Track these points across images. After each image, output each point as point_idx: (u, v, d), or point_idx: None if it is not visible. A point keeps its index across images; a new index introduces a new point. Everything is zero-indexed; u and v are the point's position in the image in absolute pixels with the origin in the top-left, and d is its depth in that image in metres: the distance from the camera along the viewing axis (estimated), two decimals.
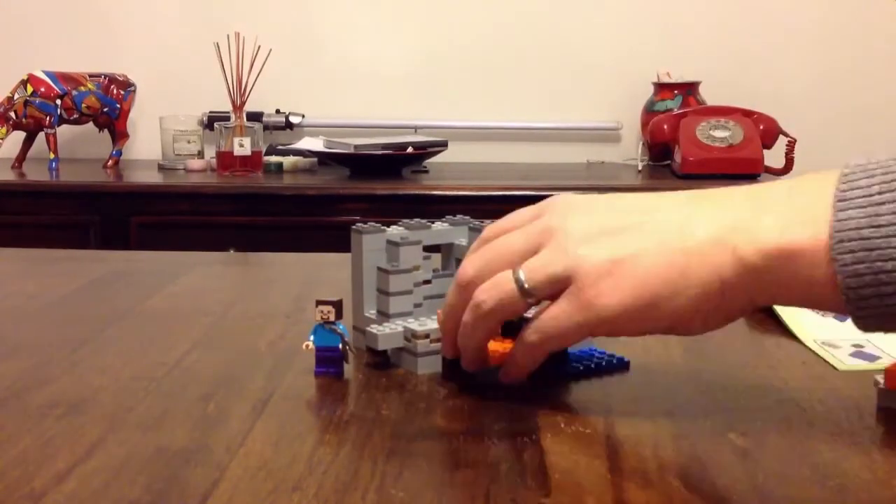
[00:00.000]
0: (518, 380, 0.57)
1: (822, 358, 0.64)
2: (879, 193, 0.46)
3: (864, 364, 0.62)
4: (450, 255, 0.69)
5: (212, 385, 0.59)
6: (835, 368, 0.61)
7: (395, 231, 0.67)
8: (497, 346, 0.60)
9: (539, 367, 0.57)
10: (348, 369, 0.60)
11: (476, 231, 0.67)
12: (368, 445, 0.49)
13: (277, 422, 0.52)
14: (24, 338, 0.70)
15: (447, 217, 0.70)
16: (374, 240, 0.66)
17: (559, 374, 0.60)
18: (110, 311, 0.77)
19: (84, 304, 0.81)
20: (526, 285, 0.53)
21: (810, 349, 0.65)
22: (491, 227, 0.58)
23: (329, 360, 0.60)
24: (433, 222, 0.68)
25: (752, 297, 0.50)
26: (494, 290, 0.54)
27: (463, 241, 0.68)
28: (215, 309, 0.78)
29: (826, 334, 0.67)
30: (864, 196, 0.47)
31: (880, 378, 0.55)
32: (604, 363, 0.61)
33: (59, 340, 0.68)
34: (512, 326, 0.61)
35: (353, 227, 0.66)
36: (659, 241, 0.51)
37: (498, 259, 0.55)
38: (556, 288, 0.52)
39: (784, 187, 0.51)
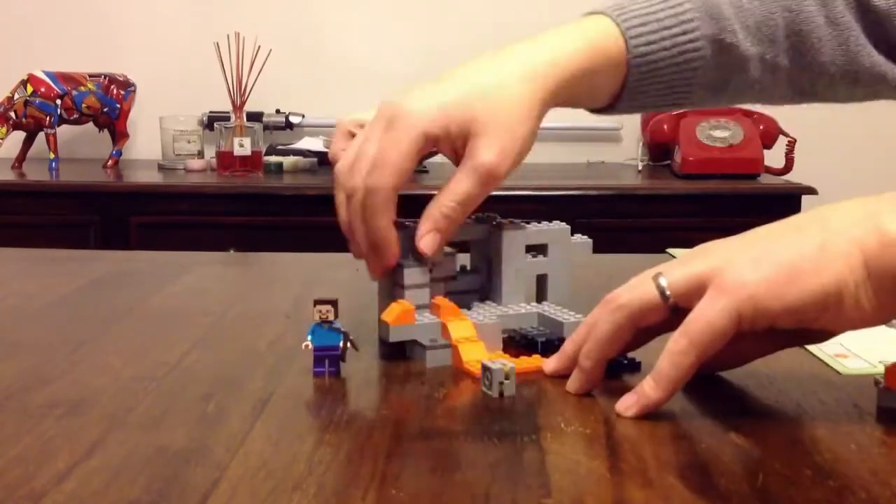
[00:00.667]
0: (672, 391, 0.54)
1: (823, 361, 0.64)
2: None
3: (865, 367, 0.62)
4: (475, 253, 0.70)
5: (212, 385, 0.59)
6: (838, 373, 0.61)
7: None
8: (523, 363, 0.61)
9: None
10: (349, 369, 0.60)
11: (499, 229, 0.67)
12: (368, 445, 0.49)
13: (277, 422, 0.52)
14: (24, 338, 0.70)
15: (474, 215, 0.70)
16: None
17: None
18: (110, 311, 0.77)
19: (84, 304, 0.81)
20: (666, 288, 0.53)
21: (810, 352, 0.65)
22: None
23: (327, 360, 0.60)
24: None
25: (885, 305, 0.50)
26: (634, 292, 0.54)
27: (487, 239, 0.69)
28: (215, 309, 0.78)
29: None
30: None
31: (880, 378, 0.55)
32: (614, 364, 0.61)
33: (59, 340, 0.68)
34: (532, 342, 0.63)
35: None
36: (801, 237, 0.51)
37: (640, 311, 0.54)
38: (696, 287, 0.52)
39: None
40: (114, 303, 0.81)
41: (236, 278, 0.97)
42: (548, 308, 0.68)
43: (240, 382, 0.59)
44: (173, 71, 2.42)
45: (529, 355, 0.62)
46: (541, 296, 0.70)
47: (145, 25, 2.44)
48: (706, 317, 0.51)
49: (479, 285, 0.69)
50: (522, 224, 0.69)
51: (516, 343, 0.64)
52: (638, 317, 0.54)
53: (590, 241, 0.71)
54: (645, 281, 0.54)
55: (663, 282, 0.53)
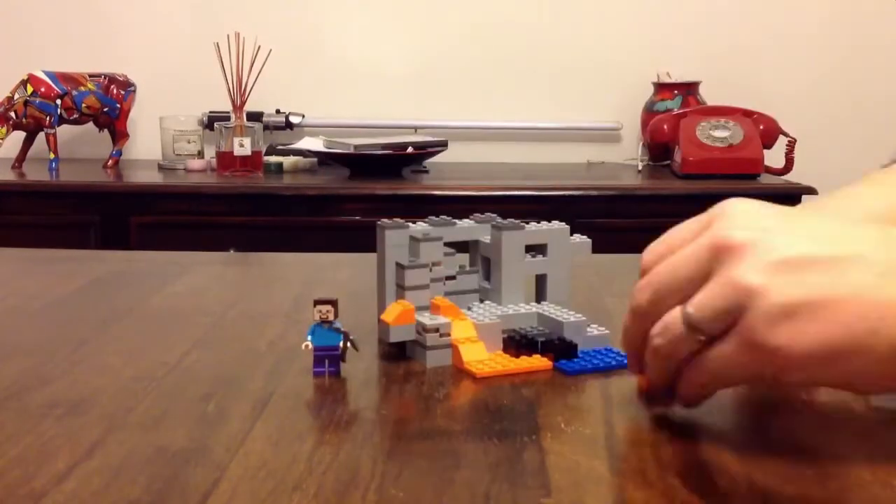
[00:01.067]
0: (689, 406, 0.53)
1: None
2: None
3: None
4: (476, 253, 0.70)
5: (212, 385, 0.59)
6: None
7: (418, 227, 0.68)
8: (523, 363, 0.61)
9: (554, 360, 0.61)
10: (349, 369, 0.60)
11: (499, 229, 0.67)
12: (368, 445, 0.49)
13: (277, 422, 0.52)
14: (24, 338, 0.70)
15: (474, 215, 0.70)
16: (397, 235, 0.66)
17: (574, 370, 0.61)
18: (110, 311, 0.77)
19: (84, 304, 0.81)
20: (695, 323, 0.48)
21: None
22: (651, 249, 0.53)
23: (327, 360, 0.60)
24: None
25: None
26: (667, 335, 0.50)
27: (487, 239, 0.69)
28: (215, 309, 0.78)
29: None
30: None
31: None
32: (614, 363, 0.61)
33: (59, 340, 0.68)
34: (532, 342, 0.63)
35: (379, 222, 0.67)
36: (853, 288, 0.45)
37: (666, 289, 0.50)
38: (726, 323, 0.47)
39: None
40: (114, 303, 0.81)
41: (236, 278, 0.97)
42: (547, 308, 0.68)
43: (240, 382, 0.59)
44: (173, 71, 2.42)
45: (529, 355, 0.62)
46: (540, 296, 0.69)
47: (145, 25, 2.44)
48: (726, 366, 0.48)
49: (478, 285, 0.69)
50: (522, 224, 0.69)
51: (516, 343, 0.64)
52: (681, 356, 0.50)
53: (589, 241, 0.71)
54: (675, 319, 0.49)
55: (691, 313, 0.48)
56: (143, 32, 2.44)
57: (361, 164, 2.13)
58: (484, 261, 0.69)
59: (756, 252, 0.46)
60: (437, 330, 0.62)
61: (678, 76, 2.35)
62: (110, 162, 2.26)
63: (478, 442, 0.50)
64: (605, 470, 0.46)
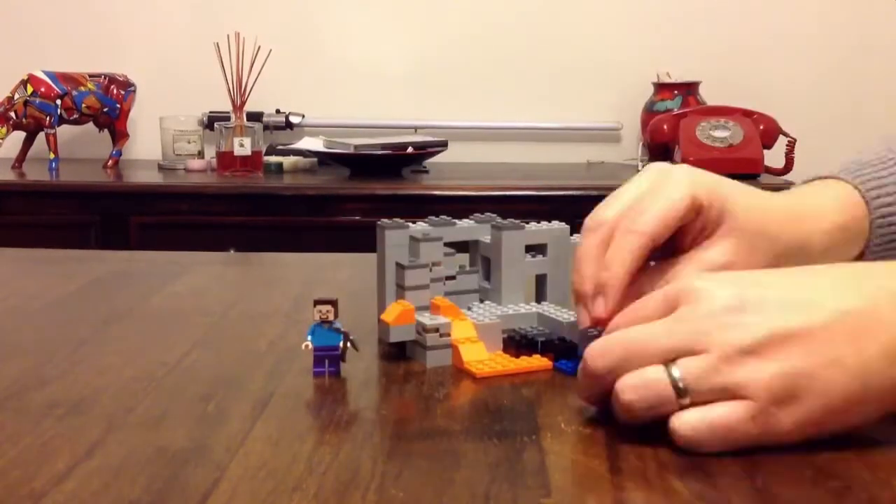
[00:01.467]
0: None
1: None
2: None
3: None
4: (475, 253, 0.70)
5: (212, 385, 0.59)
6: None
7: (417, 227, 0.68)
8: (523, 363, 0.61)
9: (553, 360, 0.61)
10: (349, 369, 0.60)
11: (499, 229, 0.67)
12: (368, 445, 0.49)
13: (277, 422, 0.52)
14: (24, 338, 0.70)
15: (474, 215, 0.70)
16: (397, 235, 0.66)
17: (573, 369, 0.60)
18: (110, 311, 0.77)
19: (84, 304, 0.81)
20: (683, 388, 0.48)
21: None
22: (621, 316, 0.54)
23: (327, 360, 0.60)
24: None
25: None
26: (645, 391, 0.49)
27: (487, 239, 0.69)
28: (215, 309, 0.78)
29: None
30: None
31: None
32: None
33: (59, 340, 0.68)
34: (532, 342, 0.63)
35: (378, 222, 0.68)
36: (833, 356, 0.48)
37: (639, 356, 0.50)
38: (721, 398, 0.48)
39: None
40: (114, 303, 0.81)
41: (236, 278, 0.97)
42: (547, 308, 0.68)
43: (240, 382, 0.59)
44: (173, 71, 2.42)
45: (529, 355, 0.62)
46: (540, 296, 0.70)
47: (145, 25, 2.44)
48: (733, 435, 0.48)
49: (478, 285, 0.69)
50: (522, 224, 0.69)
51: (516, 343, 0.64)
52: (654, 418, 0.49)
53: None
54: (657, 377, 0.49)
55: (677, 376, 0.48)
56: (143, 32, 2.44)
57: (361, 164, 2.13)
58: (484, 261, 0.69)
59: (737, 332, 0.48)
60: (437, 330, 0.62)
61: (678, 76, 2.35)
62: (110, 162, 2.26)
63: (478, 442, 0.50)
64: (605, 470, 0.46)
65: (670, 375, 0.48)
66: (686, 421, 0.48)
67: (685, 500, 0.43)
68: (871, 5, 2.42)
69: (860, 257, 0.66)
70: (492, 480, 0.45)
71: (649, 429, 0.52)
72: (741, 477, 0.46)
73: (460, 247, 0.69)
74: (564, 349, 0.62)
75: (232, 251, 1.73)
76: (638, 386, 0.49)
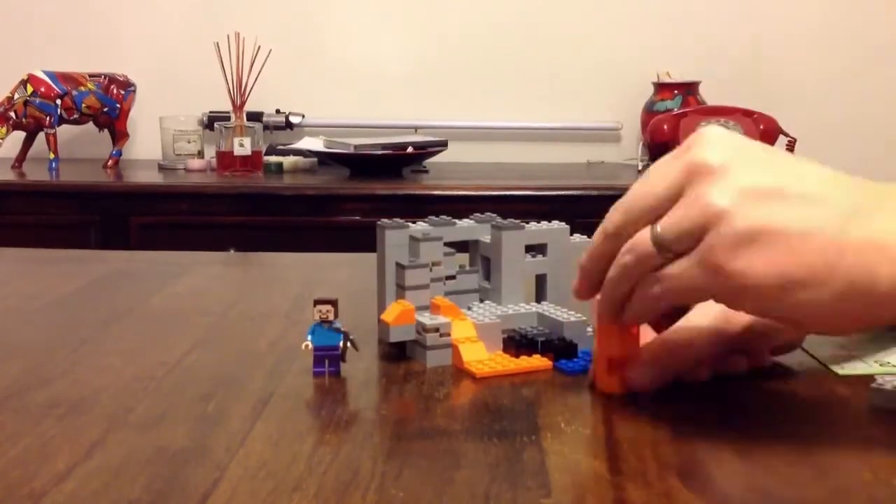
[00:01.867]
0: (634, 323, 0.54)
1: (821, 362, 0.63)
2: None
3: (861, 367, 0.62)
4: (476, 253, 0.70)
5: (212, 385, 0.59)
6: (836, 374, 0.61)
7: (417, 227, 0.68)
8: (523, 363, 0.61)
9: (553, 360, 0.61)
10: (349, 369, 0.60)
11: (499, 229, 0.67)
12: (368, 445, 0.49)
13: (277, 422, 0.52)
14: (24, 338, 0.70)
15: (474, 214, 0.70)
16: (397, 235, 0.66)
17: (574, 369, 0.61)
18: (110, 311, 0.77)
19: (84, 304, 0.81)
20: (661, 241, 0.49)
21: (807, 351, 0.65)
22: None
23: (327, 360, 0.60)
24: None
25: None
26: (635, 252, 0.50)
27: (487, 239, 0.69)
28: (215, 309, 0.78)
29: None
30: None
31: (879, 379, 0.55)
32: None
33: (59, 340, 0.68)
34: (532, 342, 0.63)
35: (378, 222, 0.68)
36: (816, 223, 0.46)
37: (639, 207, 0.50)
38: (691, 242, 0.48)
39: None
40: (114, 303, 0.81)
41: (236, 278, 0.97)
42: (547, 308, 0.67)
43: (240, 382, 0.59)
44: (173, 71, 2.42)
45: (529, 355, 0.62)
46: (540, 295, 0.69)
47: (145, 25, 2.44)
48: (683, 283, 0.49)
49: (478, 285, 0.69)
50: (522, 224, 0.69)
51: (516, 343, 0.63)
52: (642, 274, 0.50)
53: (589, 240, 0.71)
54: (644, 238, 0.50)
55: (658, 231, 0.49)
56: (143, 32, 2.44)
57: (361, 164, 2.13)
58: (484, 260, 0.69)
59: (728, 176, 0.47)
60: (437, 330, 0.62)
61: (678, 76, 2.35)
62: (110, 162, 2.26)
63: (478, 442, 0.50)
64: (605, 470, 0.46)
65: (653, 231, 0.49)
66: (650, 288, 0.50)
67: (685, 500, 0.43)
68: (872, 5, 2.42)
69: None
70: (492, 480, 0.45)
71: (649, 429, 0.52)
72: (741, 477, 0.46)
73: (460, 246, 0.69)
74: (564, 349, 0.62)
75: (232, 251, 1.73)
76: (629, 247, 0.50)
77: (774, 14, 2.43)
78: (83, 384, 0.59)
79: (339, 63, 2.44)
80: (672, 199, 0.49)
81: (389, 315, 0.63)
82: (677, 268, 0.49)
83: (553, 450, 0.48)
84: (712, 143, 0.49)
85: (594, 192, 1.99)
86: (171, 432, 0.51)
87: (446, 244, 0.67)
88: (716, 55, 2.42)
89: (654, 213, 0.49)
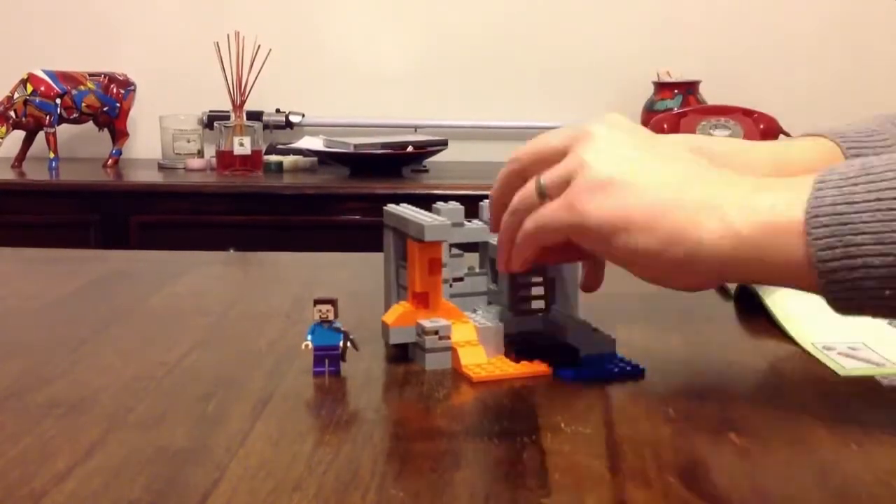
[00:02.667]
0: (516, 268, 0.61)
1: (821, 362, 0.63)
2: (856, 176, 0.49)
3: (864, 367, 0.62)
4: (484, 255, 0.69)
5: (212, 385, 0.59)
6: (836, 374, 0.61)
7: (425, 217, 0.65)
8: (524, 368, 0.61)
9: (554, 366, 0.61)
10: (349, 369, 0.60)
11: None
12: (368, 445, 0.49)
13: (277, 422, 0.52)
14: (24, 338, 0.70)
15: (484, 214, 0.69)
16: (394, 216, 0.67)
17: (573, 377, 0.60)
18: (110, 311, 0.77)
19: (84, 304, 0.81)
20: (542, 188, 0.57)
21: (809, 353, 0.65)
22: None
23: (327, 360, 0.60)
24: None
25: (722, 270, 0.52)
26: (523, 196, 0.58)
27: (495, 241, 0.65)
28: (215, 309, 0.78)
29: (822, 337, 0.66)
30: (840, 178, 0.49)
31: (882, 379, 0.55)
32: (616, 370, 0.61)
33: (59, 340, 0.68)
34: (555, 352, 0.62)
35: (385, 208, 0.69)
36: (662, 179, 0.54)
37: (540, 152, 0.59)
38: (563, 188, 0.56)
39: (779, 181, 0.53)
40: (114, 303, 0.81)
41: (236, 278, 0.97)
42: (554, 313, 0.66)
43: (240, 382, 0.59)
44: (173, 71, 2.42)
45: (530, 360, 0.61)
46: (548, 300, 0.67)
47: (145, 25, 2.44)
48: (548, 218, 0.56)
49: (486, 287, 0.69)
50: None
51: (517, 348, 0.62)
52: (524, 216, 0.58)
53: None
54: (531, 183, 0.58)
55: (542, 178, 0.57)
56: (143, 32, 2.44)
57: (361, 163, 2.13)
58: (492, 263, 0.67)
59: (602, 140, 0.56)
60: (436, 332, 0.62)
61: (678, 76, 2.35)
62: (110, 161, 2.26)
63: (478, 442, 0.50)
64: (605, 470, 0.46)
65: (537, 180, 0.57)
66: (525, 226, 0.58)
67: (685, 500, 0.43)
68: (871, 5, 2.42)
69: None
70: (492, 480, 0.45)
71: (649, 429, 0.52)
72: (741, 477, 0.46)
73: (469, 248, 0.69)
74: (566, 356, 0.62)
75: (232, 251, 1.73)
76: (519, 195, 0.59)
77: (774, 14, 2.43)
78: (83, 384, 0.59)
79: (339, 63, 2.44)
80: (562, 153, 0.57)
81: (390, 317, 0.63)
82: (547, 208, 0.57)
83: (553, 450, 0.48)
84: (606, 120, 0.58)
85: None
86: (171, 432, 0.51)
87: (455, 245, 0.66)
88: (716, 55, 2.42)
89: (546, 163, 0.58)
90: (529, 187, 0.58)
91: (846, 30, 2.43)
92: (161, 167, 2.26)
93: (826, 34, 2.43)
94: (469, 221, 0.68)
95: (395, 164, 2.15)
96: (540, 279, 0.65)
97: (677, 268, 0.53)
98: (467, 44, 2.44)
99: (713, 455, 0.48)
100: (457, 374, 0.61)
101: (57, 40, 2.42)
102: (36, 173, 2.14)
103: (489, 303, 0.68)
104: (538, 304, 0.66)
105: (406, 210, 0.66)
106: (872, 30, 2.42)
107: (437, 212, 0.66)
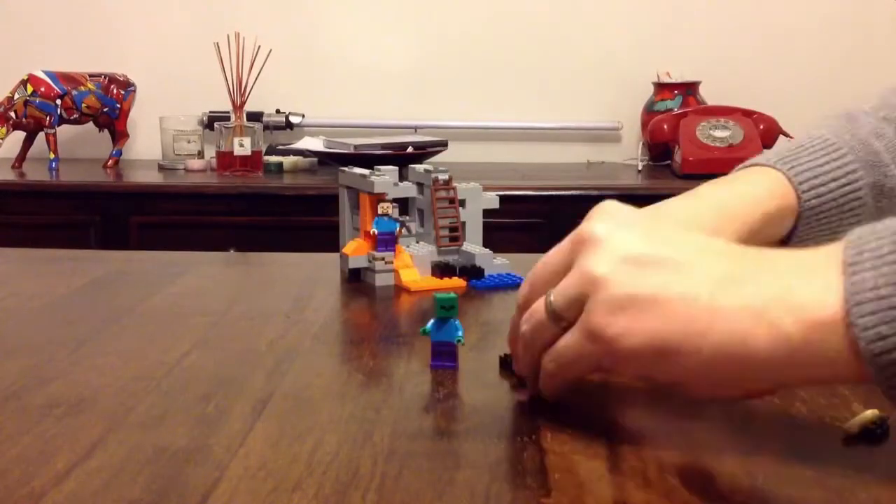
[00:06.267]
0: (552, 400, 0.55)
1: None
2: (891, 253, 0.43)
3: None
4: (413, 206, 0.94)
5: (212, 385, 0.59)
6: None
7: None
8: (445, 283, 0.86)
9: (467, 280, 0.87)
10: (349, 369, 0.60)
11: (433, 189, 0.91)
12: (368, 445, 0.49)
13: (277, 422, 0.52)
14: (24, 338, 0.70)
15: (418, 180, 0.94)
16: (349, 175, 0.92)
17: (480, 286, 0.86)
18: (110, 311, 0.77)
19: (84, 304, 0.81)
20: (553, 309, 0.51)
21: None
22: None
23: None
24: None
25: (781, 376, 0.46)
26: (531, 321, 0.53)
27: (421, 196, 0.93)
28: (215, 309, 0.78)
29: None
30: (875, 257, 0.43)
31: None
32: (511, 282, 0.87)
33: (59, 340, 0.68)
34: (452, 268, 0.88)
35: (340, 169, 0.95)
36: (689, 290, 0.47)
37: (539, 278, 0.54)
38: (579, 310, 0.50)
39: (802, 258, 0.47)
40: (114, 303, 0.81)
41: (236, 278, 0.97)
42: (466, 245, 0.91)
43: (240, 382, 0.59)
44: (173, 71, 2.42)
45: (451, 277, 0.87)
46: (461, 237, 0.92)
47: (145, 25, 2.44)
48: (571, 353, 0.51)
49: (415, 231, 0.94)
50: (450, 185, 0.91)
51: (440, 269, 0.88)
52: (542, 343, 0.53)
53: (497, 196, 0.95)
54: (539, 306, 0.53)
55: (552, 300, 0.51)
56: (143, 32, 2.44)
57: (361, 163, 2.13)
58: (419, 212, 0.94)
59: (608, 245, 0.50)
60: (383, 259, 0.86)
61: (678, 76, 2.35)
62: (110, 162, 2.26)
63: (478, 442, 0.50)
64: (605, 470, 0.46)
65: (547, 299, 0.52)
66: (543, 363, 0.52)
67: (685, 500, 0.43)
68: (871, 5, 2.42)
69: (785, 241, 0.68)
70: (492, 480, 0.45)
71: (649, 429, 0.52)
72: (741, 477, 0.46)
73: (403, 203, 0.91)
74: (475, 273, 0.88)
75: (232, 251, 1.73)
76: (527, 317, 0.53)
77: (774, 14, 2.43)
78: (83, 384, 0.59)
79: (339, 63, 2.44)
80: (564, 269, 0.52)
81: (348, 249, 0.88)
82: (565, 340, 0.51)
83: (553, 450, 0.48)
84: (600, 215, 0.52)
85: (594, 192, 1.99)
86: (171, 432, 0.51)
87: (393, 200, 0.87)
88: (716, 55, 2.42)
89: (550, 284, 0.52)
90: (539, 310, 0.52)
91: (846, 30, 2.43)
92: (161, 168, 2.26)
93: (826, 34, 2.43)
94: (401, 182, 0.91)
95: (395, 164, 2.15)
96: (456, 223, 0.91)
97: (731, 385, 0.47)
98: (467, 44, 2.44)
99: (713, 455, 0.48)
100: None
101: (57, 41, 2.42)
102: (36, 174, 2.14)
103: (418, 241, 0.92)
104: (454, 240, 0.91)
105: (355, 170, 0.91)
106: (872, 30, 2.43)
107: (379, 173, 0.89)
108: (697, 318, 0.46)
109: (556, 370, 0.52)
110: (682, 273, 0.48)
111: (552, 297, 0.51)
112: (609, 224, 0.51)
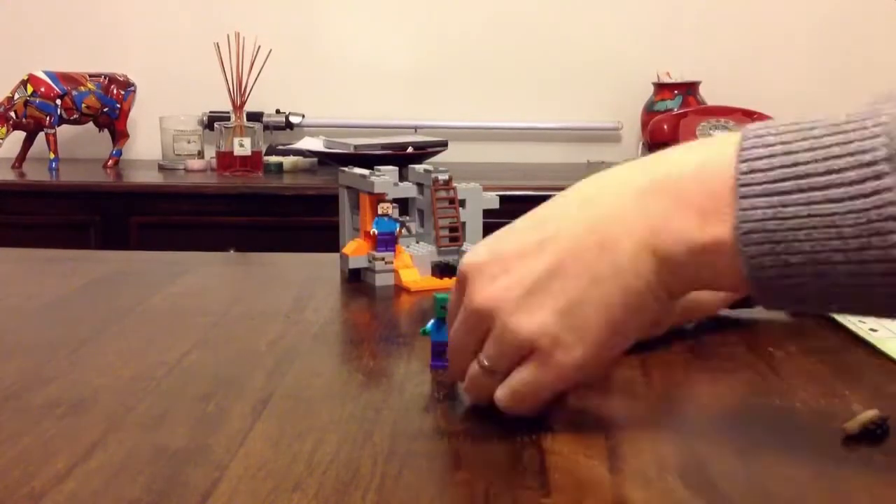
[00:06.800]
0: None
1: (827, 359, 0.63)
2: (783, 181, 0.45)
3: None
4: (413, 206, 0.93)
5: (212, 385, 0.59)
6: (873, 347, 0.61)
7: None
8: (446, 283, 0.84)
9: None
10: (348, 369, 0.60)
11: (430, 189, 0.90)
12: (368, 445, 0.49)
13: (277, 422, 0.52)
14: (24, 338, 0.70)
15: (415, 180, 0.92)
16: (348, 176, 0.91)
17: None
18: (110, 311, 0.77)
19: (84, 304, 0.81)
20: (490, 367, 0.52)
21: (816, 355, 0.65)
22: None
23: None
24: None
25: (671, 289, 0.49)
26: (471, 385, 0.54)
27: (421, 196, 0.91)
28: (215, 309, 0.78)
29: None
30: (765, 182, 0.45)
31: None
32: None
33: (59, 340, 0.68)
34: (451, 268, 0.86)
35: (340, 169, 0.94)
36: (589, 278, 0.49)
37: (458, 358, 0.54)
38: (519, 357, 0.51)
39: (691, 166, 0.52)
40: (114, 303, 0.81)
41: (236, 278, 0.97)
42: (465, 246, 0.90)
43: (240, 382, 0.59)
44: (173, 71, 2.42)
45: (450, 277, 0.85)
46: (461, 237, 0.91)
47: (145, 25, 2.44)
48: (535, 389, 0.51)
49: (415, 231, 0.93)
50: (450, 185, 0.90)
51: (440, 269, 0.87)
52: (490, 398, 0.53)
53: (497, 196, 0.95)
54: (475, 372, 0.53)
55: (485, 363, 0.52)
56: (143, 32, 2.44)
57: (361, 163, 2.13)
58: (419, 212, 0.93)
59: (503, 298, 0.50)
60: (383, 259, 0.86)
61: (678, 76, 2.35)
62: (110, 162, 2.26)
63: (478, 442, 0.50)
64: (605, 470, 0.46)
65: (479, 362, 0.52)
66: (498, 398, 0.52)
67: (685, 500, 0.43)
68: (871, 6, 2.42)
69: None
70: (492, 480, 0.45)
71: (649, 429, 0.52)
72: (741, 477, 0.46)
73: (402, 203, 0.91)
74: None
75: (232, 251, 1.73)
76: (468, 387, 0.54)
77: (774, 14, 2.43)
78: (83, 384, 0.59)
79: (339, 63, 2.44)
80: (456, 303, 0.54)
81: (348, 249, 0.88)
82: (524, 378, 0.51)
83: (553, 450, 0.48)
84: (470, 280, 0.53)
85: None
86: (171, 432, 0.51)
87: (393, 200, 0.87)
88: (716, 55, 2.42)
89: (469, 357, 0.53)
90: (475, 370, 0.53)
91: (846, 30, 2.43)
92: (161, 168, 2.26)
93: (825, 34, 2.43)
94: (401, 182, 0.90)
95: (395, 164, 2.15)
96: (456, 223, 0.90)
97: (634, 315, 0.49)
98: (467, 44, 2.44)
99: (713, 455, 0.48)
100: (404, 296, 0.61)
101: (57, 41, 2.42)
102: (36, 174, 2.14)
103: (418, 241, 0.92)
104: (454, 240, 0.90)
105: (355, 171, 0.91)
106: (872, 30, 2.43)
107: (379, 174, 0.89)
108: (610, 297, 0.48)
109: (516, 405, 0.52)
110: (568, 265, 0.49)
111: (484, 356, 0.52)
112: (481, 284, 0.52)
